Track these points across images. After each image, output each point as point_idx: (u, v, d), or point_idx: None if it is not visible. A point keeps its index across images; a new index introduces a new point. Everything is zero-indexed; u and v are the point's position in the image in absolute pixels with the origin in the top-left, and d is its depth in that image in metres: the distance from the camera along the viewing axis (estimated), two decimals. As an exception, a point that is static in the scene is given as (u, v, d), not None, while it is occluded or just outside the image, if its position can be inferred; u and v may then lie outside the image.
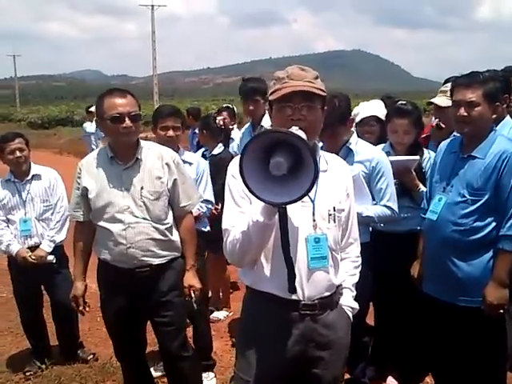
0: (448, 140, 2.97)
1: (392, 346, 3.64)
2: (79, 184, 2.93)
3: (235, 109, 6.37)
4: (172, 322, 2.95)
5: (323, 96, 2.07)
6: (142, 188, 2.83)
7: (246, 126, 4.69)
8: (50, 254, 3.89)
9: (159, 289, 2.91)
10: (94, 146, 9.74)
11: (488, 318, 2.62)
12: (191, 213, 3.12)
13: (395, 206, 3.06)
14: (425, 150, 3.51)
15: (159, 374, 3.78)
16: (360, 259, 2.29)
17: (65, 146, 21.92)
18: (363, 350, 3.48)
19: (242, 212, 2.01)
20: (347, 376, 3.47)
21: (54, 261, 3.91)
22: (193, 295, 2.95)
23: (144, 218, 2.84)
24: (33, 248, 3.88)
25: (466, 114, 2.63)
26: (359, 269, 2.29)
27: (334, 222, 2.10)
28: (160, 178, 2.87)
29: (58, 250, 3.97)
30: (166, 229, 2.89)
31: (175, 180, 2.92)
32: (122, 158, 2.86)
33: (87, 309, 3.09)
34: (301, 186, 1.73)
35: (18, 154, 3.83)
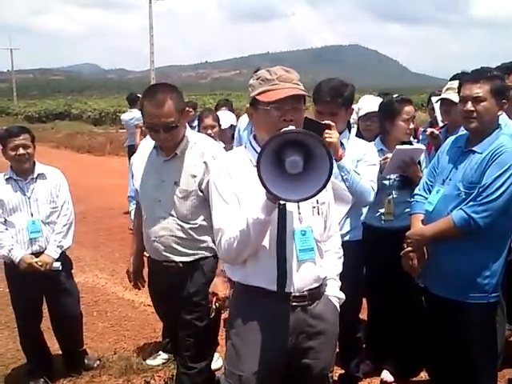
0: (457, 135, 2.97)
1: (387, 341, 3.67)
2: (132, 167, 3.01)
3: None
4: (193, 324, 2.82)
5: (306, 98, 2.19)
6: (175, 183, 2.76)
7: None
8: (56, 260, 3.58)
9: (187, 287, 2.83)
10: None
11: (479, 315, 2.63)
12: None
13: (375, 188, 3.02)
14: (416, 144, 3.61)
15: (155, 363, 3.85)
16: (342, 251, 2.35)
17: (62, 140, 21.86)
18: (357, 345, 3.51)
19: (233, 210, 2.06)
20: (341, 371, 3.50)
21: (61, 268, 3.59)
22: (213, 304, 2.72)
23: (171, 215, 2.77)
24: (37, 254, 3.54)
25: (472, 108, 2.62)
26: (342, 260, 2.35)
27: (318, 214, 2.18)
28: (195, 176, 2.75)
29: (63, 256, 3.67)
30: (190, 228, 2.77)
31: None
32: (164, 150, 2.81)
33: (142, 285, 3.18)
34: (315, 182, 1.82)
35: (21, 151, 3.51)
